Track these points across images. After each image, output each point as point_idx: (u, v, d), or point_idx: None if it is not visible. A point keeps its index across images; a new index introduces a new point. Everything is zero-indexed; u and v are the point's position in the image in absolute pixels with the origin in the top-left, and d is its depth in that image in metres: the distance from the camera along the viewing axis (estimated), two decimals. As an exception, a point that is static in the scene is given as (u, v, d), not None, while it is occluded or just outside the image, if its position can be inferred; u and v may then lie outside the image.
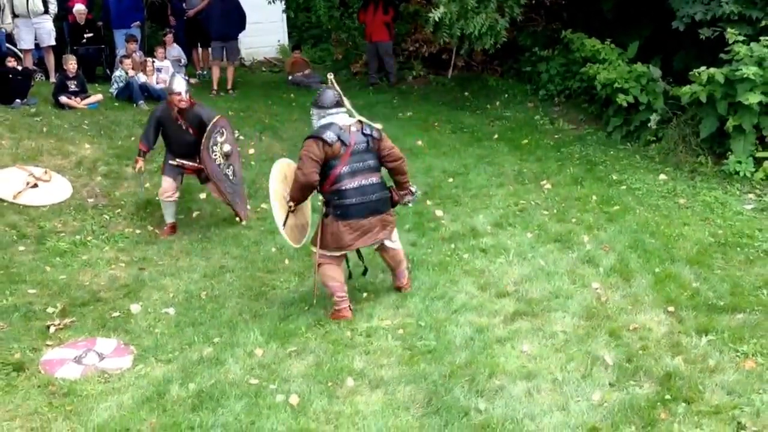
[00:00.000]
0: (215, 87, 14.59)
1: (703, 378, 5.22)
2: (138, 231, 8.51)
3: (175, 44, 15.11)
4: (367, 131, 6.38)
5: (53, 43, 13.43)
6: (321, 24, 16.21)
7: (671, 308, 6.26)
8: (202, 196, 9.40)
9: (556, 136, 12.07)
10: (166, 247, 8.07)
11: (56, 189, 9.22)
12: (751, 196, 9.07)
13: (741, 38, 9.82)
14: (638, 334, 5.90)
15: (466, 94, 14.85)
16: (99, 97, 12.44)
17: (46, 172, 9.33)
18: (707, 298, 6.39)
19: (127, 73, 12.98)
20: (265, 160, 10.82)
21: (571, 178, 9.92)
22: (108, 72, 14.62)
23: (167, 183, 8.51)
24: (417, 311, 6.43)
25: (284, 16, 18.92)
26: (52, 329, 6.31)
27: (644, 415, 4.82)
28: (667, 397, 5.00)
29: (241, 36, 15.45)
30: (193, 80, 15.36)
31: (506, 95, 14.49)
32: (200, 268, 7.58)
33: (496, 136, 12.11)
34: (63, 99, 11.81)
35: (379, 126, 6.54)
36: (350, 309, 6.44)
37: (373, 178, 6.39)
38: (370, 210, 6.36)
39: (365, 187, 6.31)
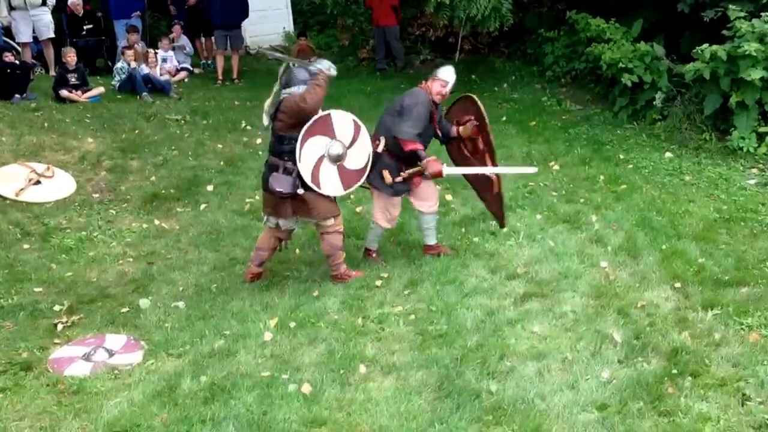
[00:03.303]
0: (220, 76, 14.57)
1: (709, 352, 5.29)
2: (145, 225, 8.49)
3: (182, 35, 15.10)
4: None
5: (52, 35, 13.39)
6: (327, 9, 16.14)
7: (678, 284, 6.31)
8: (210, 188, 9.44)
9: (563, 117, 12.09)
10: (174, 240, 8.08)
11: (60, 185, 9.19)
12: (754, 171, 9.10)
13: (742, 15, 9.81)
14: (646, 311, 5.95)
15: (474, 77, 14.81)
16: (101, 89, 12.47)
17: (48, 168, 9.32)
18: (713, 273, 6.44)
19: (129, 65, 12.92)
20: (273, 151, 10.86)
21: (578, 158, 9.94)
22: (109, 64, 14.60)
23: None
24: (428, 296, 6.47)
25: (289, 2, 18.91)
26: (59, 327, 6.28)
27: (652, 391, 4.88)
28: (674, 371, 5.06)
29: (245, 24, 15.46)
30: (197, 70, 15.43)
31: (513, 77, 14.46)
32: (210, 261, 7.59)
33: (504, 118, 12.10)
34: (63, 93, 11.83)
35: None
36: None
37: None
38: None
39: None
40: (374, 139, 6.83)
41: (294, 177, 6.43)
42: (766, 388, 4.83)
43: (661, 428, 4.53)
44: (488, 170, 6.89)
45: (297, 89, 6.48)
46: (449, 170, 6.82)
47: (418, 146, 6.59)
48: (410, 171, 6.77)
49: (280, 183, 6.46)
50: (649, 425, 4.57)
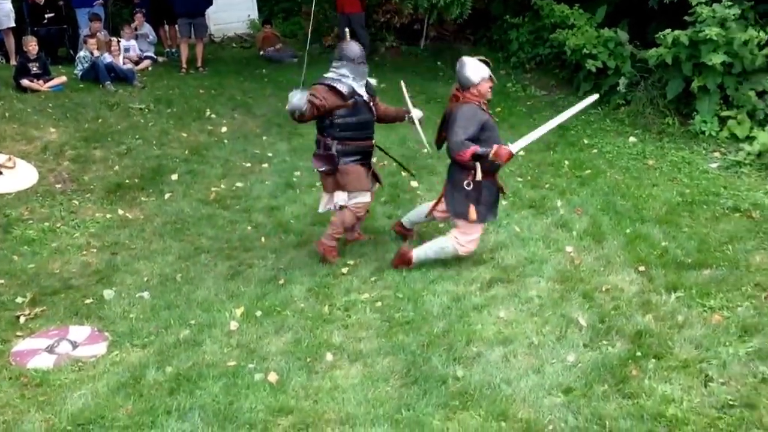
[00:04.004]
0: (185, 65, 14.41)
1: (672, 334, 5.35)
2: (109, 215, 8.39)
3: (144, 23, 14.95)
4: None
5: (13, 24, 13.23)
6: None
7: (642, 268, 6.38)
8: (174, 177, 9.37)
9: (528, 103, 12.15)
10: (138, 230, 7.99)
11: (21, 176, 9.05)
12: (716, 154, 9.23)
13: (703, 0, 9.90)
14: (610, 294, 6.01)
15: (439, 63, 14.85)
16: (63, 79, 12.29)
17: (9, 159, 9.17)
18: (676, 256, 6.51)
19: (92, 54, 12.72)
20: (239, 138, 10.84)
21: (543, 144, 9.99)
22: (71, 53, 14.32)
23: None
24: (394, 283, 6.47)
25: (254, -10, 18.78)
26: (22, 319, 6.20)
27: (616, 373, 4.93)
28: (638, 354, 5.12)
29: (210, 12, 15.31)
30: (161, 58, 15.27)
31: (479, 63, 14.45)
32: (174, 251, 7.52)
33: (469, 104, 12.11)
34: (25, 82, 11.66)
35: None
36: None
37: None
38: None
39: None
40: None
41: (332, 156, 6.67)
42: (728, 369, 4.89)
43: (626, 410, 4.56)
44: (553, 123, 6.94)
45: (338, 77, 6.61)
46: (517, 146, 6.45)
47: (471, 149, 6.13)
48: (478, 171, 6.34)
49: (320, 160, 6.75)
50: (614, 407, 4.60)
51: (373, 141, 6.94)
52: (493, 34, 14.89)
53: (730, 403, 4.56)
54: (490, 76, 6.56)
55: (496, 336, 5.50)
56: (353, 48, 6.69)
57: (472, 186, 6.36)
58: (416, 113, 6.90)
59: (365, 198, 6.87)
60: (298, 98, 6.36)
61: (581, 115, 11.17)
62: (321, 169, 6.78)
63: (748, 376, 4.80)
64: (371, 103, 6.80)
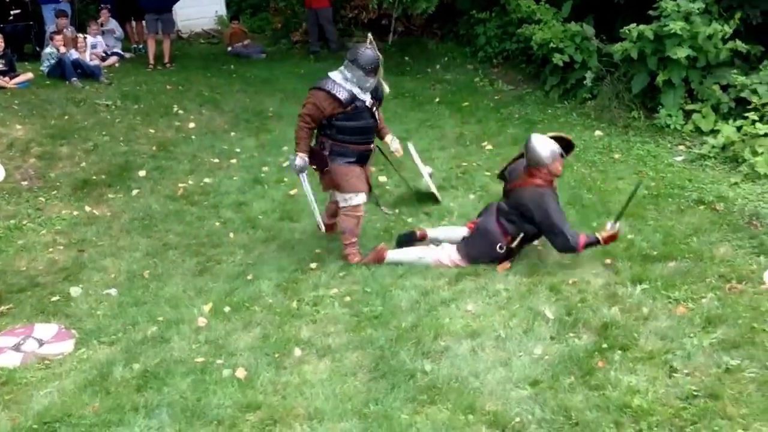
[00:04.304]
0: (152, 61, 14.35)
1: (638, 326, 5.40)
2: (76, 212, 8.31)
3: (110, 18, 14.84)
4: None
5: (-23, 21, 13.04)
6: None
7: (608, 260, 6.43)
8: (142, 173, 9.32)
9: (495, 98, 12.20)
10: (105, 227, 7.94)
11: (-13, 173, 8.97)
12: (681, 147, 9.34)
13: (668, -7, 10.01)
14: (577, 287, 6.04)
15: (407, 58, 14.86)
16: (29, 75, 12.19)
17: (-25, 156, 9.06)
18: (641, 249, 6.57)
19: (58, 50, 12.62)
20: (206, 134, 10.80)
21: (511, 138, 10.05)
22: (38, 49, 14.22)
23: None
24: (363, 278, 6.48)
25: (221, -15, 18.70)
26: (-13, 318, 6.14)
27: (583, 365, 4.96)
28: (605, 346, 5.15)
29: (177, 7, 15.24)
30: (128, 54, 15.20)
31: (446, 58, 14.55)
32: (142, 247, 7.48)
33: (437, 99, 12.19)
34: (-9, 79, 11.52)
35: None
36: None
37: None
38: None
39: None
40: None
41: (323, 156, 6.61)
42: (692, 359, 4.94)
43: (592, 402, 4.59)
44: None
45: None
46: (618, 224, 6.40)
47: (582, 242, 6.20)
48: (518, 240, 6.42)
49: (313, 157, 6.67)
50: (580, 399, 4.64)
51: (372, 145, 6.84)
52: (460, 29, 14.92)
53: (694, 393, 4.60)
54: (561, 153, 6.46)
55: (464, 329, 5.52)
56: (368, 55, 6.45)
57: (504, 250, 6.45)
58: (426, 170, 6.91)
59: (359, 199, 6.76)
60: (297, 164, 6.53)
61: (548, 109, 11.32)
62: (312, 166, 6.73)
63: (711, 366, 4.85)
64: (374, 109, 6.67)
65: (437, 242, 6.89)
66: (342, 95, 6.40)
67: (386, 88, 6.93)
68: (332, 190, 6.87)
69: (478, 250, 6.52)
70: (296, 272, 6.70)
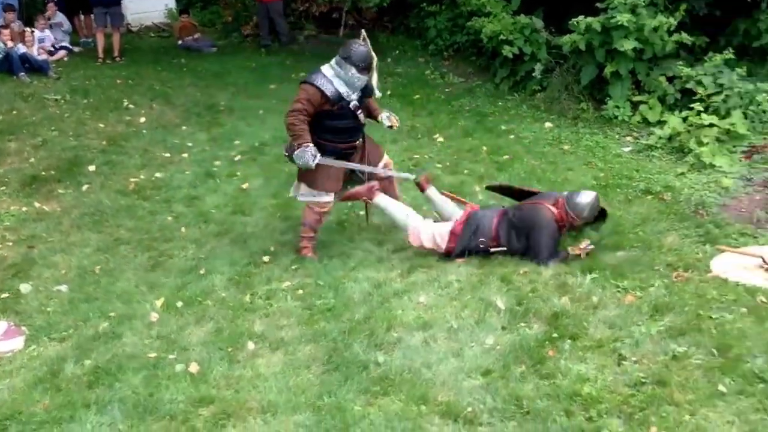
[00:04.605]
0: (101, 55, 14.19)
1: (588, 315, 5.45)
2: (25, 208, 8.18)
3: (58, 12, 14.63)
4: None
5: (-77, 16, 12.76)
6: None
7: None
8: (92, 168, 9.21)
9: (446, 90, 12.27)
10: (55, 223, 7.83)
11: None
12: (629, 138, 9.48)
13: (615, -14, 10.13)
14: (528, 277, 6.08)
15: (358, 51, 14.85)
16: (-23, 70, 11.96)
17: None
18: (591, 238, 6.63)
19: (5, 45, 12.44)
20: (157, 128, 10.72)
21: (462, 130, 10.12)
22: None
23: None
24: (315, 271, 6.49)
25: (171, -22, 18.50)
26: (-65, 317, 6.04)
27: (533, 355, 5.01)
28: (555, 335, 5.20)
29: (126, 1, 15.12)
30: (77, 48, 15.03)
31: (397, 51, 14.59)
32: (93, 243, 7.40)
33: (389, 92, 12.21)
34: (-63, 75, 11.34)
35: None
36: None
37: None
38: None
39: None
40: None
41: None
42: (640, 347, 5.00)
43: (542, 391, 4.64)
44: None
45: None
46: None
47: (558, 260, 6.29)
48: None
49: (289, 148, 6.50)
50: (531, 388, 4.68)
51: (355, 144, 6.72)
52: (411, 22, 14.96)
53: (642, 380, 4.66)
54: (591, 219, 6.61)
55: (417, 321, 5.55)
56: (361, 52, 6.40)
57: (482, 247, 6.50)
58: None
59: (324, 198, 6.70)
60: (307, 156, 6.29)
61: (498, 101, 11.42)
62: (285, 154, 6.60)
63: (659, 354, 4.92)
64: (358, 111, 6.55)
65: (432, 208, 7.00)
66: (329, 92, 6.33)
67: (377, 93, 6.83)
68: (302, 183, 6.72)
69: (461, 238, 6.53)
70: (249, 266, 6.69)
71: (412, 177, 7.08)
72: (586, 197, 6.45)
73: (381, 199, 6.71)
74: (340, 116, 6.45)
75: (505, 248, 6.42)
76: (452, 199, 7.08)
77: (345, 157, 6.67)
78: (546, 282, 5.99)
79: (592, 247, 6.33)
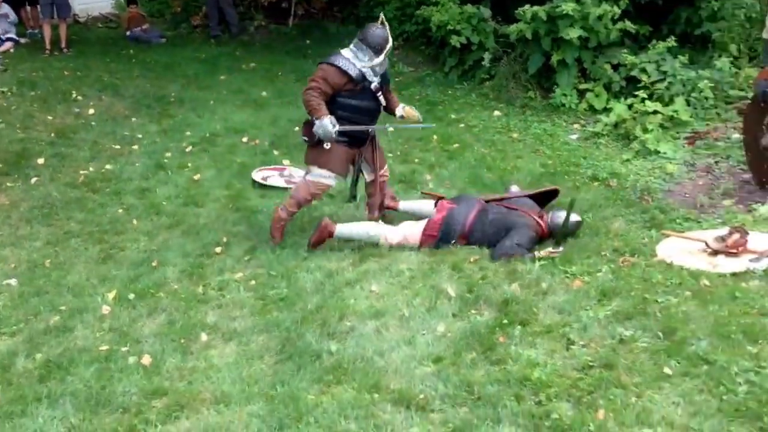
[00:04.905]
0: (48, 46, 13.96)
1: (537, 301, 5.52)
2: (-29, 203, 8.09)
3: (3, 3, 14.38)
4: None
5: None
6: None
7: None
8: (41, 161, 9.10)
9: (396, 79, 12.23)
10: (4, 216, 7.73)
11: None
12: (576, 126, 9.62)
13: (559, -26, 10.23)
14: (478, 265, 6.15)
15: (308, 42, 14.85)
16: None
17: None
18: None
19: (-50, 37, 12.23)
20: (107, 120, 10.62)
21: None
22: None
23: None
24: (268, 261, 6.50)
25: (118, -32, 18.25)
26: None
27: (484, 341, 5.06)
28: (505, 321, 5.26)
29: (73, -9, 14.87)
30: (23, 40, 14.78)
31: (347, 41, 14.34)
32: (43, 236, 7.32)
33: (340, 82, 12.18)
34: None
35: None
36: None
37: None
38: None
39: None
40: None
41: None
42: (588, 331, 5.08)
43: (493, 376, 4.70)
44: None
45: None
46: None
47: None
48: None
49: (305, 131, 6.56)
50: (482, 374, 4.74)
51: (371, 130, 6.70)
52: (360, 11, 14.97)
53: (590, 364, 4.73)
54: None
55: (369, 310, 5.59)
56: (378, 34, 6.42)
57: (451, 243, 6.54)
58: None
59: (328, 180, 6.69)
60: (326, 126, 6.25)
61: (448, 90, 11.49)
62: (304, 138, 6.59)
63: (606, 338, 5.00)
64: (379, 93, 6.59)
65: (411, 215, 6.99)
66: (353, 72, 6.36)
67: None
68: (313, 165, 6.68)
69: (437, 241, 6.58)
70: (201, 257, 6.69)
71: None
72: (562, 218, 6.51)
73: (340, 229, 6.70)
74: (361, 96, 6.47)
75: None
76: (430, 196, 7.16)
77: (362, 141, 6.67)
78: (496, 269, 6.05)
79: (561, 250, 6.35)
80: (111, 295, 6.03)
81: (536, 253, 6.32)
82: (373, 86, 6.51)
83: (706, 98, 9.38)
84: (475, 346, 5.05)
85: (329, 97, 6.41)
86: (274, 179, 8.26)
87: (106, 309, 5.84)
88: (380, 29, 6.50)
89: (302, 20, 15.92)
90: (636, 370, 4.65)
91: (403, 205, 7.18)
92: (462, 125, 9.84)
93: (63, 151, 9.47)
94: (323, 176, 6.66)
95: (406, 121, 6.98)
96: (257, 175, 8.29)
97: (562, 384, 4.58)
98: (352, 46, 6.51)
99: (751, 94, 8.47)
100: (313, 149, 6.57)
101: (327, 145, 6.42)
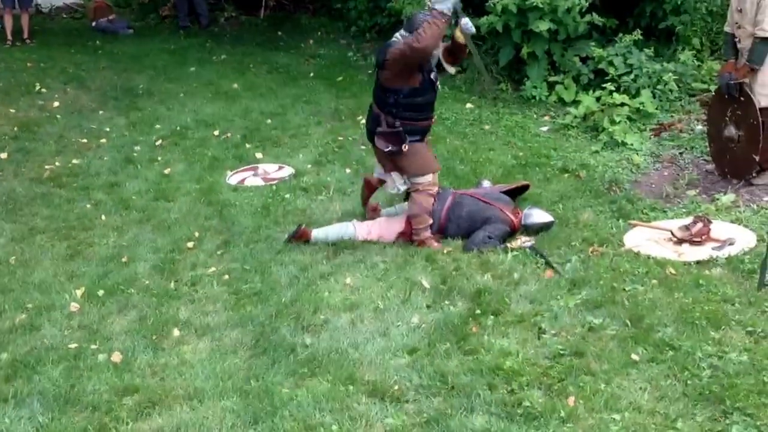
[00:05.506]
0: (10, 37, 13.74)
1: (509, 291, 5.57)
2: (-67, 200, 7.93)
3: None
4: None
5: None
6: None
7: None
8: (3, 156, 8.97)
9: (369, 72, 12.19)
10: (-33, 213, 7.62)
11: None
12: (546, 118, 9.66)
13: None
14: (452, 256, 6.19)
15: (280, 33, 14.76)
16: None
17: None
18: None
19: None
20: (72, 113, 10.49)
21: (387, 112, 10.12)
22: None
23: None
24: (241, 255, 6.46)
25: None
26: None
27: (458, 331, 5.10)
28: (478, 311, 5.31)
29: (37, -19, 14.66)
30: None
31: (319, 33, 14.52)
32: (7, 233, 7.18)
33: (311, 74, 12.16)
34: None
35: None
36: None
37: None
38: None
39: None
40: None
41: (399, 133, 6.21)
42: (559, 320, 5.16)
43: (467, 366, 4.73)
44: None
45: (406, 35, 6.08)
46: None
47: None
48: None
49: (387, 140, 6.25)
50: (455, 364, 4.76)
51: (433, 119, 6.58)
52: (333, 3, 14.89)
53: (561, 352, 4.80)
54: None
55: (343, 302, 5.60)
56: (419, 19, 6.05)
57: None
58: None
59: (432, 177, 6.48)
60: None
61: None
62: (387, 149, 6.26)
63: (576, 326, 5.07)
64: (437, 82, 6.42)
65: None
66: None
67: (451, 69, 6.73)
68: (405, 173, 6.45)
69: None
70: (173, 252, 6.62)
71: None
72: (541, 219, 6.59)
73: (315, 234, 6.62)
74: (424, 90, 6.25)
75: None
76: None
77: (426, 134, 6.54)
78: (469, 260, 6.09)
79: (532, 241, 6.36)
80: (79, 292, 5.95)
81: (508, 244, 6.36)
82: (432, 75, 6.30)
83: (671, 90, 9.52)
84: (449, 337, 5.08)
85: (387, 99, 6.22)
86: (251, 180, 8.15)
87: (74, 306, 5.76)
88: (422, 14, 6.19)
89: (274, 12, 15.82)
90: (605, 357, 4.73)
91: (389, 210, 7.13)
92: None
93: (27, 145, 9.33)
94: (428, 180, 6.46)
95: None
96: (233, 179, 8.18)
97: (533, 372, 4.64)
98: (398, 35, 6.25)
99: (713, 87, 8.63)
100: (404, 159, 6.32)
101: (405, 147, 6.21)
